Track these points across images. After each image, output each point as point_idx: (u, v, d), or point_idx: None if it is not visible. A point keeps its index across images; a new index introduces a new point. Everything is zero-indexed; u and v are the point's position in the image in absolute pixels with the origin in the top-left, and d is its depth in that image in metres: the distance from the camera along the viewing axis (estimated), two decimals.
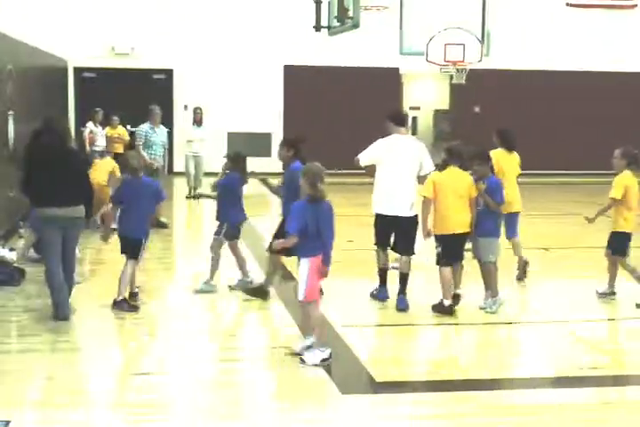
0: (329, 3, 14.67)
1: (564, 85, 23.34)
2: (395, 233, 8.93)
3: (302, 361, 6.88)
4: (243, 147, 22.30)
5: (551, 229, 14.18)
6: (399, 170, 8.75)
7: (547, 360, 7.35)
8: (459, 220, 8.55)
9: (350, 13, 13.30)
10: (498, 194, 8.69)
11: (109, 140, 17.82)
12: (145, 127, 14.31)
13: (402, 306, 8.70)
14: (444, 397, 6.35)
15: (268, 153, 22.45)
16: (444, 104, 25.00)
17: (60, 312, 8.09)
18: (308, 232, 6.84)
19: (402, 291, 8.82)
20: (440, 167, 8.77)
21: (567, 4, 22.10)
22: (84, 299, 8.71)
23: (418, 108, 26.33)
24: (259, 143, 22.30)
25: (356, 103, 22.26)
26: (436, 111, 26.23)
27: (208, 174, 17.43)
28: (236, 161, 9.47)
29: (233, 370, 6.92)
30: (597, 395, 6.48)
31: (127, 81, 21.71)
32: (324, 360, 6.86)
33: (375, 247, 9.09)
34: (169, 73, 22.18)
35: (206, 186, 16.66)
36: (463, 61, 17.02)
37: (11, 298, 8.89)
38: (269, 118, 22.13)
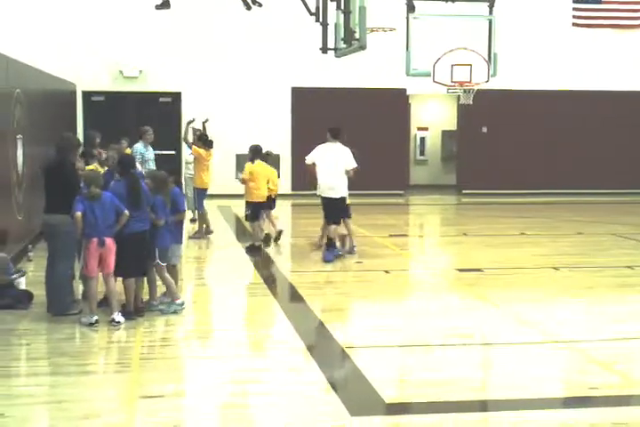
0: (335, 25, 14.71)
1: (571, 105, 23.38)
2: (326, 208, 12.82)
3: None
4: None
5: (560, 248, 14.12)
6: (327, 166, 12.59)
7: (556, 380, 7.30)
8: (261, 194, 13.52)
9: (357, 35, 13.31)
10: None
11: None
12: (140, 146, 14.73)
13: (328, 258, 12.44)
14: (454, 418, 6.31)
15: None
16: (452, 124, 25.07)
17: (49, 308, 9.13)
18: None
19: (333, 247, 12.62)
20: (250, 161, 13.54)
21: (573, 24, 22.16)
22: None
23: (426, 129, 26.43)
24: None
25: (365, 124, 22.31)
26: (444, 132, 26.32)
27: (212, 196, 17.43)
28: None
29: (241, 392, 6.89)
30: (606, 415, 6.42)
31: (136, 104, 21.90)
32: None
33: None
34: (177, 96, 22.32)
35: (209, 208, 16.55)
36: (470, 82, 17.06)
37: (19, 321, 8.90)
38: (278, 140, 22.17)
